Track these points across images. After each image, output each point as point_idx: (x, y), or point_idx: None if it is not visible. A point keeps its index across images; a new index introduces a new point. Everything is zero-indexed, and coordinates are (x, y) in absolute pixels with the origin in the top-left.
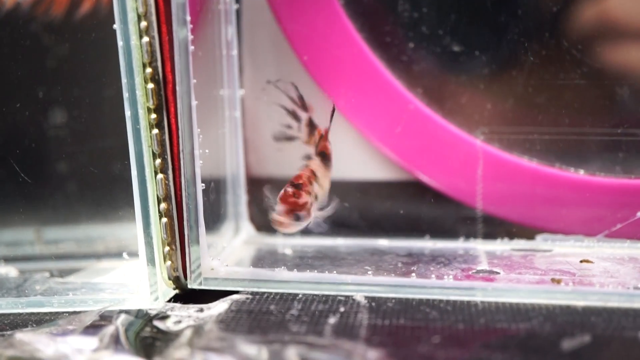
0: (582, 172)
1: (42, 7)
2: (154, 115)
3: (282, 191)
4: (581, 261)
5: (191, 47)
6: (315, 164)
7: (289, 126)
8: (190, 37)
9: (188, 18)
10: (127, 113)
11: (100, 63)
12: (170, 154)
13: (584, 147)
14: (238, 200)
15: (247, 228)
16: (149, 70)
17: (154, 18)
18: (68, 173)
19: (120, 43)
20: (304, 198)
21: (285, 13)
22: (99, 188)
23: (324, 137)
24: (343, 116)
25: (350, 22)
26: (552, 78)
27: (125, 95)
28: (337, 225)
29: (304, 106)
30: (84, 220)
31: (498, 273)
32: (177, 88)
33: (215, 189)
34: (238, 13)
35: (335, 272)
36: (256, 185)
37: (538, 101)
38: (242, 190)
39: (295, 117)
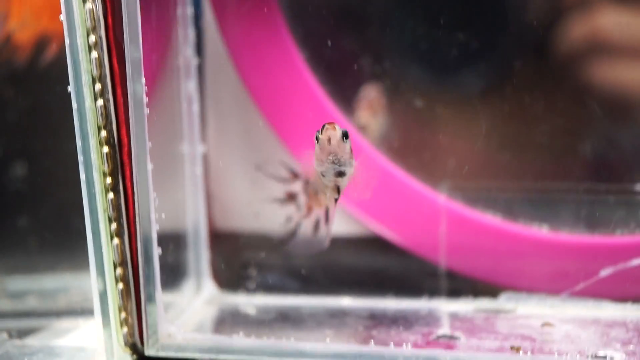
0: (545, 228)
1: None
2: (109, 179)
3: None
4: (543, 325)
5: (146, 110)
6: None
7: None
8: (146, 99)
9: (143, 80)
10: (82, 177)
11: (62, 115)
12: (127, 218)
13: (548, 203)
14: (200, 256)
15: (209, 286)
16: (103, 133)
17: (108, 80)
18: (29, 225)
19: (74, 105)
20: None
21: (247, 67)
22: (61, 241)
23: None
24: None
25: (313, 77)
26: (515, 135)
27: (80, 158)
28: (300, 281)
29: (296, 176)
30: (46, 271)
31: (459, 338)
32: (133, 151)
33: (174, 248)
34: (199, 67)
35: (293, 337)
36: (219, 240)
37: (501, 157)
38: (204, 247)
39: (293, 198)
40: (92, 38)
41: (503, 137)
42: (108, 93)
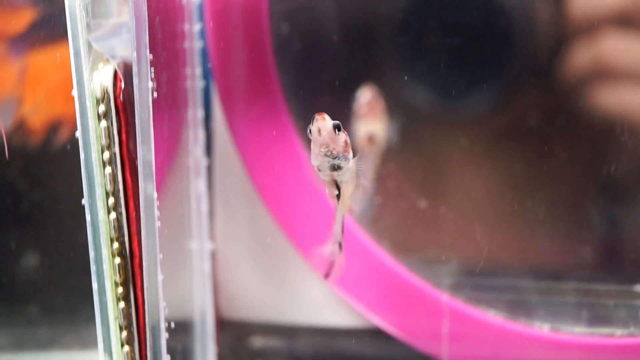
0: (546, 328)
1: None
2: (120, 289)
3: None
4: None
5: (158, 223)
6: None
7: None
8: (157, 213)
9: (155, 195)
10: (94, 286)
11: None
12: (137, 326)
13: (549, 303)
14: (206, 351)
15: None
16: (116, 245)
17: (121, 194)
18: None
19: (88, 218)
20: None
21: (256, 167)
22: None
23: None
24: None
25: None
26: (518, 236)
27: (93, 268)
28: None
29: None
30: None
31: None
32: (144, 263)
33: (182, 352)
34: (209, 167)
35: None
36: (227, 332)
37: (504, 257)
38: (211, 342)
39: None
40: (107, 154)
41: (505, 238)
42: (121, 207)
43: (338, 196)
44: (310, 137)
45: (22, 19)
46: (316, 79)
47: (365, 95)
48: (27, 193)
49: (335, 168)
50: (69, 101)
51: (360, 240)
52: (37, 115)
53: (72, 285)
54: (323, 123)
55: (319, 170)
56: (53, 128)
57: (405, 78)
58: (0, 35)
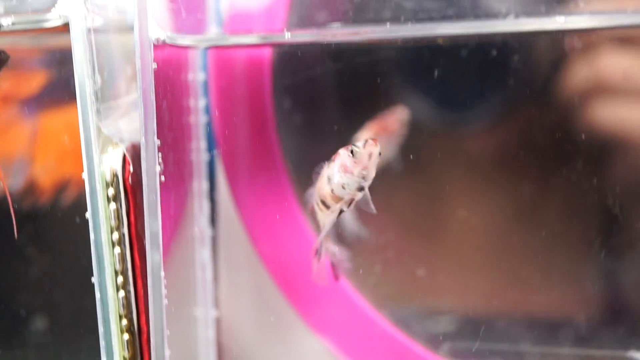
0: None
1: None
2: None
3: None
4: None
5: (165, 301)
6: None
7: None
8: (165, 291)
9: (162, 274)
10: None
11: (80, 264)
12: None
13: None
14: None
15: None
16: (124, 321)
17: (130, 273)
18: None
19: (97, 295)
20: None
21: (260, 237)
22: None
23: None
24: (311, 330)
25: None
26: (513, 302)
27: (102, 343)
28: None
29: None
30: None
31: None
32: (152, 340)
33: None
34: (213, 237)
35: None
36: None
37: (499, 322)
38: None
39: None
40: (116, 235)
41: (502, 303)
42: (129, 285)
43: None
44: (351, 156)
45: (35, 81)
46: (318, 151)
47: (388, 116)
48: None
49: (361, 189)
50: (77, 162)
51: (360, 307)
52: (46, 176)
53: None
54: (375, 149)
55: (342, 188)
56: (62, 188)
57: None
58: (14, 97)
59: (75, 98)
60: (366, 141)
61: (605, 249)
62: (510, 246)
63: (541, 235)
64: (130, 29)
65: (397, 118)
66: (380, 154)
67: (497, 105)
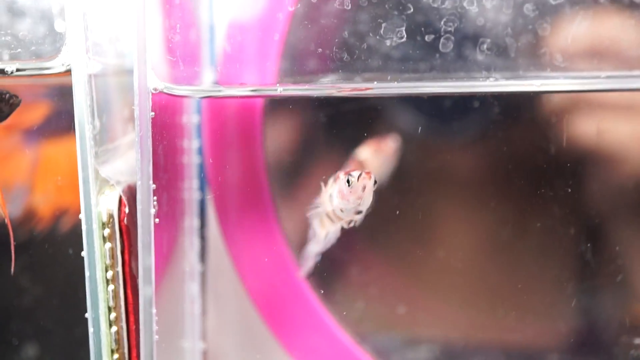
0: None
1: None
2: None
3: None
4: None
5: (155, 337)
6: None
7: None
8: (155, 327)
9: (154, 310)
10: None
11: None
12: None
13: None
14: None
15: None
16: (116, 355)
17: (122, 310)
18: None
19: (90, 330)
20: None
21: (248, 273)
22: None
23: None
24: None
25: (307, 284)
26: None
27: None
28: None
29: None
30: None
31: None
32: None
33: None
34: (202, 272)
35: None
36: None
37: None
38: None
39: None
40: (110, 273)
41: (479, 337)
42: (122, 321)
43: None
44: (347, 186)
45: (37, 112)
46: (305, 191)
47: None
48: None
49: (358, 213)
50: (75, 190)
51: (343, 342)
52: (45, 204)
53: None
54: (369, 182)
55: (341, 211)
56: (59, 216)
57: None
58: (16, 127)
59: (75, 130)
60: (360, 174)
61: (577, 290)
62: (489, 284)
63: (517, 275)
64: (128, 72)
65: (391, 142)
66: (375, 182)
67: (476, 137)
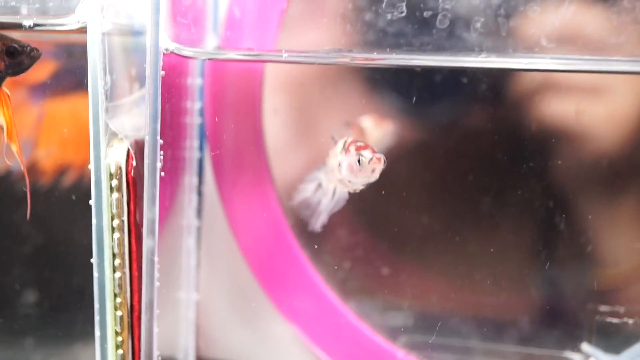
0: None
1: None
2: (120, 338)
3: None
4: None
5: (157, 283)
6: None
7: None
8: (157, 274)
9: (156, 259)
10: (97, 333)
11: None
12: None
13: None
14: None
15: None
16: (119, 299)
17: (127, 257)
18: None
19: (95, 274)
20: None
21: (241, 229)
22: None
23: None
24: (282, 318)
25: (297, 242)
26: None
27: (96, 318)
28: None
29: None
30: None
31: None
32: (143, 317)
33: None
34: (198, 227)
35: None
36: None
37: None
38: None
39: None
40: (116, 222)
41: (455, 303)
42: (125, 267)
43: None
44: (358, 165)
45: (43, 69)
46: (301, 154)
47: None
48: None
49: (365, 185)
50: (79, 148)
51: (328, 298)
52: (49, 159)
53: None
54: (379, 166)
55: (349, 181)
56: (62, 171)
57: None
58: (22, 82)
59: (79, 88)
60: (372, 158)
61: (548, 259)
62: (467, 252)
63: (494, 244)
64: (136, 33)
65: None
66: (385, 162)
67: (455, 116)
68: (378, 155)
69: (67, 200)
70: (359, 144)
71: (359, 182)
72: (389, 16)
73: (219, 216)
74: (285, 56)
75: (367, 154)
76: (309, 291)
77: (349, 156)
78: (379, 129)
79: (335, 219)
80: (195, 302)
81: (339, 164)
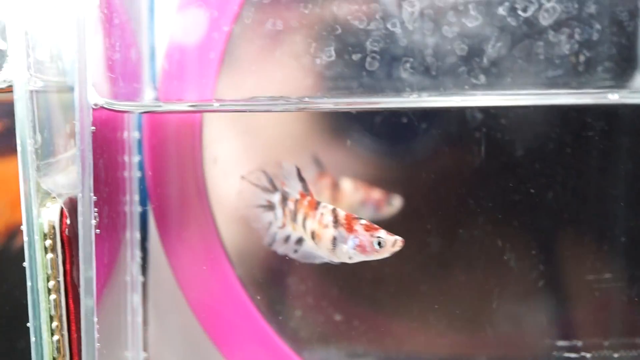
0: None
1: None
2: None
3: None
4: None
5: (97, 344)
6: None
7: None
8: (97, 335)
9: (95, 319)
10: None
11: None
12: None
13: None
14: None
15: None
16: None
17: (64, 319)
18: None
19: (32, 339)
20: None
21: (188, 284)
22: None
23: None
24: None
25: (246, 293)
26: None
27: None
28: None
29: (275, 188)
30: None
31: None
32: None
33: None
34: (144, 283)
35: None
36: None
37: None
38: None
39: (272, 207)
40: (52, 283)
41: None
42: (64, 329)
43: None
44: (378, 247)
45: None
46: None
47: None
48: None
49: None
50: None
51: (283, 351)
52: None
53: None
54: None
55: (349, 258)
56: (12, 234)
57: None
58: None
59: None
60: (396, 241)
61: (502, 296)
62: (419, 293)
63: (447, 284)
64: (69, 89)
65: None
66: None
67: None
68: (398, 238)
69: (19, 262)
70: (362, 222)
71: (362, 259)
72: (318, 61)
73: (165, 271)
74: (216, 105)
75: (387, 237)
76: (263, 343)
77: (357, 238)
78: (356, 194)
79: (284, 267)
80: None
81: (334, 238)
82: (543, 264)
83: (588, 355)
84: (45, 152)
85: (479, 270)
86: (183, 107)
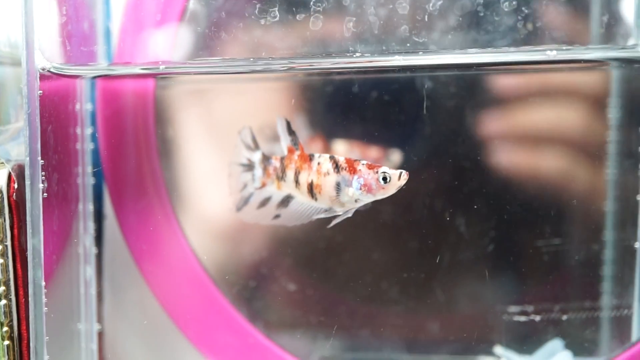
0: None
1: None
2: None
3: None
4: None
5: (45, 309)
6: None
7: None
8: (45, 299)
9: (43, 283)
10: None
11: None
12: None
13: None
14: None
15: None
16: (5, 328)
17: (12, 283)
18: None
19: None
20: None
21: (142, 254)
22: None
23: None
24: (191, 344)
25: (198, 261)
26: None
27: None
28: None
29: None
30: None
31: None
32: (31, 345)
33: None
34: (98, 255)
35: None
36: None
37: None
38: None
39: (251, 168)
40: (0, 247)
41: (365, 314)
42: (11, 294)
43: None
44: (383, 182)
45: None
46: (197, 173)
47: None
48: None
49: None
50: None
51: (237, 320)
52: None
53: None
54: (404, 182)
55: (354, 201)
56: None
57: None
58: None
59: None
60: (401, 173)
61: (452, 264)
62: (371, 260)
63: (398, 252)
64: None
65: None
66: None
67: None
68: (403, 171)
69: None
70: (363, 162)
71: (370, 200)
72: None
73: (121, 244)
74: (162, 68)
75: (392, 172)
76: (218, 314)
77: (361, 178)
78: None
79: (238, 235)
80: (98, 333)
81: (337, 184)
82: (493, 229)
83: (538, 317)
84: None
85: (430, 237)
86: (136, 70)
